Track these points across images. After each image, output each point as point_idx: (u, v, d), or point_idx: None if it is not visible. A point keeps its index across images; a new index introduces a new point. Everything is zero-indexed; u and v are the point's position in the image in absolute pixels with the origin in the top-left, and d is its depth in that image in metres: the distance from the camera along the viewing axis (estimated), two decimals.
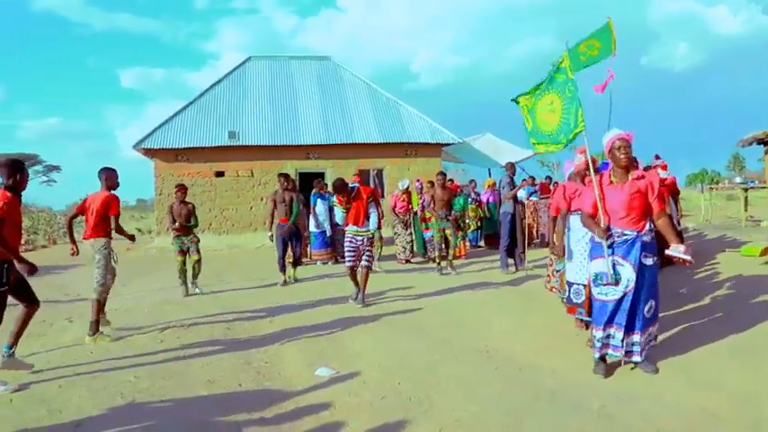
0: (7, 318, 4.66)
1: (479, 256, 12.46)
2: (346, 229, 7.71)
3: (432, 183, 11.07)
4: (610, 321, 4.47)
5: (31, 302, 4.95)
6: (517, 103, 5.81)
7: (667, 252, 4.43)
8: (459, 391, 4.34)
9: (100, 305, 6.16)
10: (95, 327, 6.04)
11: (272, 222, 9.52)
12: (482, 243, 14.37)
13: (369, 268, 7.70)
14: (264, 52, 36.03)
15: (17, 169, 4.79)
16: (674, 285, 7.54)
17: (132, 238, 6.95)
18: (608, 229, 4.46)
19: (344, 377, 4.72)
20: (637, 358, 4.47)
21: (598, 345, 4.52)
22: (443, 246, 10.17)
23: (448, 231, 10.09)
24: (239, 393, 4.44)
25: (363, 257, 7.63)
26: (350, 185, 7.72)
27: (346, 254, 7.71)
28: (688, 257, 4.36)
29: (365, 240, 7.63)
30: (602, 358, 4.57)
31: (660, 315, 6.11)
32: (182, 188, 9.03)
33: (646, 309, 4.43)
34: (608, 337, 4.50)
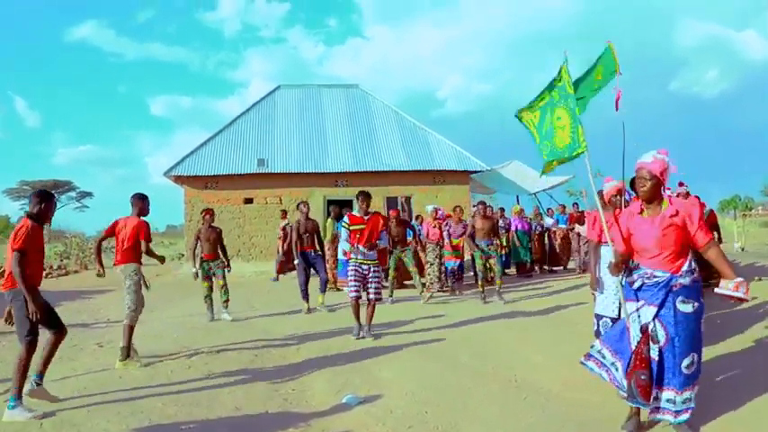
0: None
1: (509, 284, 12.27)
2: (351, 255, 7.15)
3: (457, 209, 11.46)
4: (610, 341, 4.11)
5: (55, 329, 4.85)
6: (520, 119, 5.37)
7: (716, 290, 3.76)
8: (486, 420, 4.27)
9: (131, 330, 6.11)
10: (126, 352, 6.02)
11: (298, 251, 9.30)
12: (512, 270, 14.21)
13: (377, 301, 7.14)
14: (292, 80, 36.84)
15: (44, 199, 4.85)
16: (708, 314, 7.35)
17: (162, 259, 6.94)
18: (625, 265, 3.97)
19: (371, 405, 4.68)
20: (669, 417, 3.77)
21: (592, 352, 4.17)
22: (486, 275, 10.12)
23: (492, 261, 9.90)
24: (266, 420, 4.43)
25: (371, 289, 7.07)
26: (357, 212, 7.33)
27: (351, 284, 7.09)
28: (741, 295, 3.65)
29: (371, 269, 7.11)
30: (637, 413, 3.93)
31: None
32: (209, 212, 9.00)
33: (685, 363, 3.72)
34: (600, 354, 4.12)
